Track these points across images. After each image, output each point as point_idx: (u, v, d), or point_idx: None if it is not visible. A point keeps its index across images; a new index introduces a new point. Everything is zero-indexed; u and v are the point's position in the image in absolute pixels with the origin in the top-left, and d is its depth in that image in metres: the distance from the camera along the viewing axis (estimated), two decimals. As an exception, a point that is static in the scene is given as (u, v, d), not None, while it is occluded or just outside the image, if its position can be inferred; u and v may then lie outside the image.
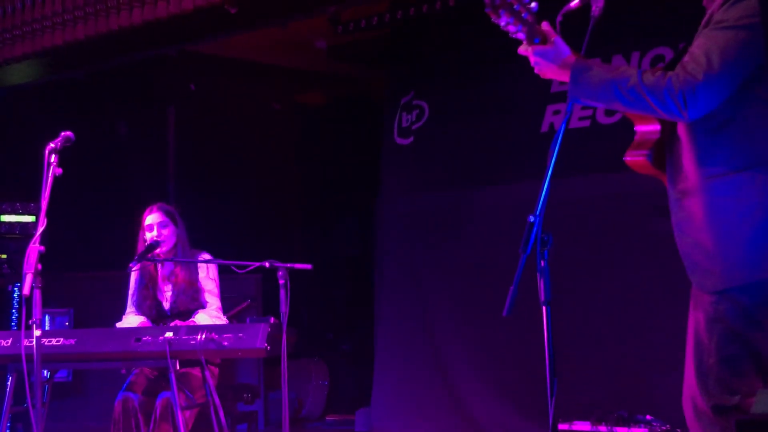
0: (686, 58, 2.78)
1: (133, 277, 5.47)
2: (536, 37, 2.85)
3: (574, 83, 2.86)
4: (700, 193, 2.82)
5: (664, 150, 2.99)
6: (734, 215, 2.76)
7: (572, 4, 2.91)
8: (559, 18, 2.90)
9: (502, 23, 2.74)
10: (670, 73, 2.76)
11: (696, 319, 2.89)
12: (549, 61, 2.88)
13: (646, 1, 5.69)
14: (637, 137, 3.05)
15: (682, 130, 2.89)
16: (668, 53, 5.49)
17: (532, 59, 2.92)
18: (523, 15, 2.75)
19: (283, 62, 8.95)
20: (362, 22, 7.16)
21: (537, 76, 2.98)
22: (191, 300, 5.31)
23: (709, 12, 2.87)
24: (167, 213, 5.42)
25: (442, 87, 6.91)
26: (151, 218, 5.38)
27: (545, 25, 2.89)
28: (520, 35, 2.81)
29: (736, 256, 2.76)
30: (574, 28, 2.95)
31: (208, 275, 5.41)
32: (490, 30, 2.93)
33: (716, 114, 2.79)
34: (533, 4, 2.76)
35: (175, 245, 5.39)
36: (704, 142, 2.82)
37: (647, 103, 2.78)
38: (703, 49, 2.75)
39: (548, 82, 5.91)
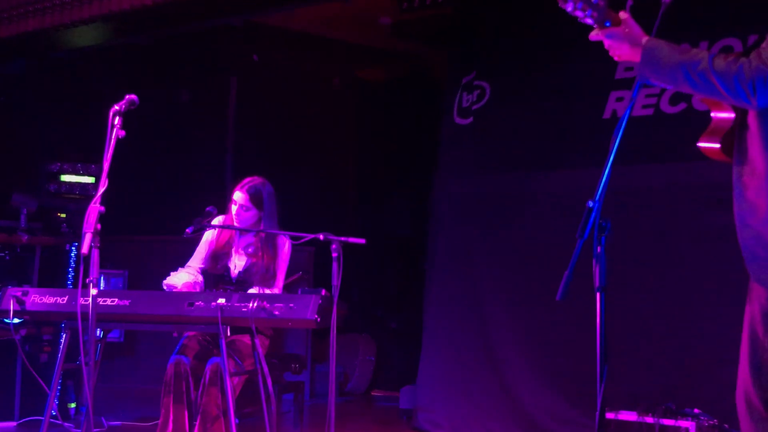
0: (763, 44, 2.73)
1: (207, 236, 5.50)
2: (607, 21, 2.81)
3: (644, 63, 2.83)
4: (765, 184, 2.78)
5: (735, 138, 2.95)
6: None
7: (645, -10, 2.88)
8: (629, 2, 2.86)
9: (569, 9, 2.71)
10: (742, 59, 2.71)
11: (751, 312, 2.86)
12: (621, 41, 2.85)
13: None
14: (712, 123, 3.02)
15: (752, 118, 2.84)
16: (737, 45, 5.39)
17: (606, 42, 2.88)
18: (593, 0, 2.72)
19: (346, 37, 8.95)
20: (427, -1, 7.13)
21: (601, 62, 2.95)
22: (261, 279, 5.33)
23: None
24: (253, 196, 5.34)
25: (504, 68, 6.85)
26: (238, 197, 5.35)
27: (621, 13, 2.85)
28: (588, 20, 2.78)
29: None
30: (644, 15, 2.91)
31: (283, 250, 5.43)
32: (555, 13, 2.90)
33: None
34: None
35: (256, 225, 5.38)
36: None
37: (716, 88, 2.74)
38: None
39: (612, 69, 5.83)
